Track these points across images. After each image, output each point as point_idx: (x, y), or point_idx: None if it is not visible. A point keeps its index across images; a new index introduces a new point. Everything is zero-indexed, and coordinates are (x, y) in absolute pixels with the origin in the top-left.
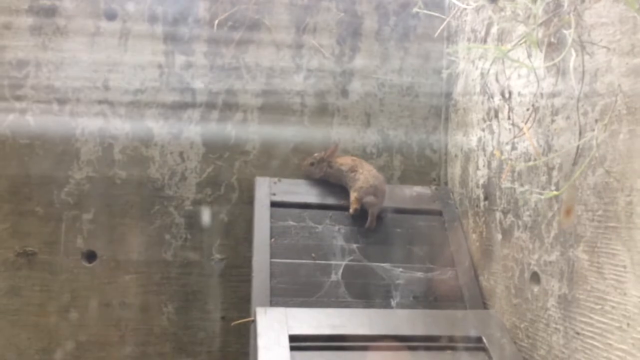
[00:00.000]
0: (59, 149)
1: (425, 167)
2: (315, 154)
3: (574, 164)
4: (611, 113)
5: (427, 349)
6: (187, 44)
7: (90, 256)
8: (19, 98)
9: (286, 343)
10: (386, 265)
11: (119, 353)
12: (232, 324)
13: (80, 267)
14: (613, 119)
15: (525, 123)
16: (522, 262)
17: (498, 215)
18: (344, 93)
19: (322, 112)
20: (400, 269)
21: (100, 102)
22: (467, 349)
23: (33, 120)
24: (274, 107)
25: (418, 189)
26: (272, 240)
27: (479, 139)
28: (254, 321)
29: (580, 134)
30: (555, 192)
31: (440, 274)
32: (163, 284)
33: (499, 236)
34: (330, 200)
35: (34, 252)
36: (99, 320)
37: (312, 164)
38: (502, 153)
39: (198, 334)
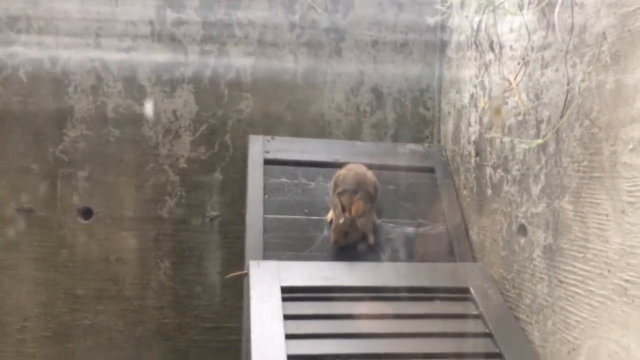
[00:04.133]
0: (52, 106)
1: (419, 124)
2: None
3: (562, 116)
4: (597, 63)
5: (416, 299)
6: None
7: (86, 213)
8: (11, 55)
9: (278, 294)
10: (378, 221)
11: (117, 306)
12: (226, 276)
13: (76, 224)
14: (600, 69)
15: (515, 77)
16: (510, 215)
17: (488, 170)
18: (337, 50)
19: (316, 69)
20: (392, 225)
21: (92, 60)
22: (454, 299)
23: (26, 77)
24: (267, 65)
25: (411, 147)
26: (266, 196)
27: (471, 96)
28: (247, 274)
29: (568, 85)
30: (539, 141)
31: (431, 229)
32: (159, 240)
33: (489, 191)
34: (323, 158)
35: (30, 209)
36: (97, 275)
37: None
38: (490, 105)
39: (195, 288)
